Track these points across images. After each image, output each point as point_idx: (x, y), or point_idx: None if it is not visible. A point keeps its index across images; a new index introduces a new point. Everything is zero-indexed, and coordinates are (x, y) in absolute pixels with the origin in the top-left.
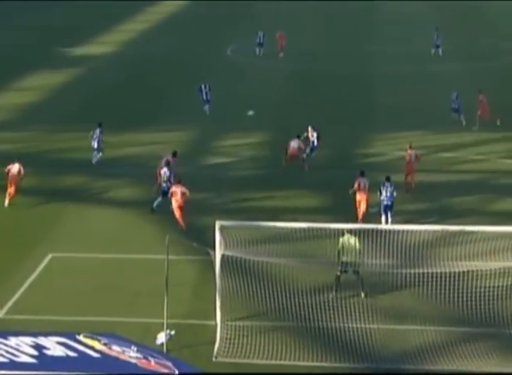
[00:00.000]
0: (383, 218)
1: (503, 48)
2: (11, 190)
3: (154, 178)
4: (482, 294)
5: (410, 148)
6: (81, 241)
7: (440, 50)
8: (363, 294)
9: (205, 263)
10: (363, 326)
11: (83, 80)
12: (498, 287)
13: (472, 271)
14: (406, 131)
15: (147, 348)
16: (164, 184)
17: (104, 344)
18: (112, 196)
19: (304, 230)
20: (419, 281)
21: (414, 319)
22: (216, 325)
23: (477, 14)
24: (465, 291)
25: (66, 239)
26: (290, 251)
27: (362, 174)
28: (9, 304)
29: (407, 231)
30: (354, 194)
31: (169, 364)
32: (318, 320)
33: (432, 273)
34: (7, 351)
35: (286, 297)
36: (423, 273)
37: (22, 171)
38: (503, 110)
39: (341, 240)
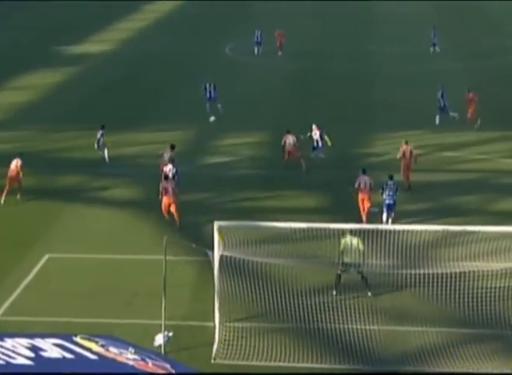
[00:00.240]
0: (384, 216)
1: (505, 46)
2: (8, 186)
3: (152, 177)
4: (484, 295)
5: (406, 143)
6: (78, 241)
7: (437, 48)
8: (369, 294)
9: (204, 264)
10: (363, 327)
11: (80, 78)
12: (500, 287)
13: (474, 272)
14: (406, 130)
15: (145, 349)
16: None
17: (102, 346)
18: (110, 196)
19: (303, 230)
20: (420, 282)
21: (415, 321)
22: (215, 326)
23: (477, 14)
24: (467, 291)
25: (63, 239)
26: (290, 251)
27: (364, 172)
28: (5, 305)
29: (408, 231)
30: (357, 193)
31: (167, 366)
32: (317, 321)
33: (433, 274)
34: (3, 353)
35: (285, 298)
36: (424, 274)
37: (19, 166)
38: (504, 109)
39: (343, 241)
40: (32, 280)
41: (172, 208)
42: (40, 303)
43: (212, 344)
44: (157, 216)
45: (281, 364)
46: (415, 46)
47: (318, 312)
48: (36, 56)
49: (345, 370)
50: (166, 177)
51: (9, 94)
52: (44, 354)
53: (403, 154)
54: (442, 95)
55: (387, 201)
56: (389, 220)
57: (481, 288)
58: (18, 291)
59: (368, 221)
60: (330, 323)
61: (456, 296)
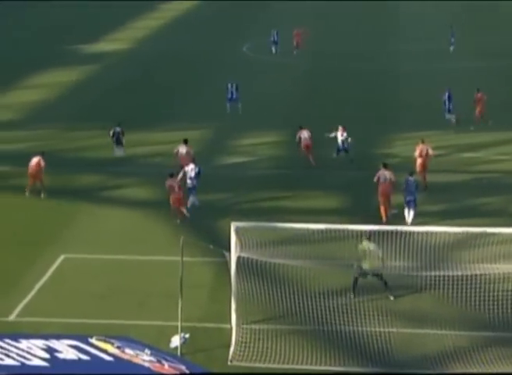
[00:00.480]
0: (406, 213)
1: None
2: (30, 182)
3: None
4: (505, 298)
5: (423, 142)
6: (94, 241)
7: (452, 47)
8: (392, 297)
9: (220, 265)
10: (381, 329)
11: (96, 77)
12: None
13: (494, 274)
14: (426, 130)
15: (161, 351)
16: (189, 181)
17: (118, 348)
18: (126, 196)
19: (321, 231)
20: (440, 284)
21: (434, 323)
22: (231, 328)
23: (496, 14)
24: (487, 294)
25: (79, 240)
26: (307, 252)
27: (385, 167)
28: (21, 306)
29: (428, 233)
30: (376, 187)
31: (183, 368)
32: (335, 324)
33: (453, 276)
34: (18, 354)
35: (302, 300)
36: (444, 276)
37: (41, 164)
38: None
39: (360, 247)
40: (47, 280)
41: (178, 206)
42: (55, 304)
43: (229, 346)
44: (171, 217)
45: (298, 366)
46: (433, 45)
47: (336, 314)
48: (51, 55)
49: (363, 373)
50: (172, 175)
51: (25, 94)
52: (59, 355)
53: (420, 153)
54: (448, 97)
55: (408, 198)
56: (411, 217)
57: (502, 291)
58: (33, 291)
59: (388, 222)
60: (348, 325)
61: (477, 299)
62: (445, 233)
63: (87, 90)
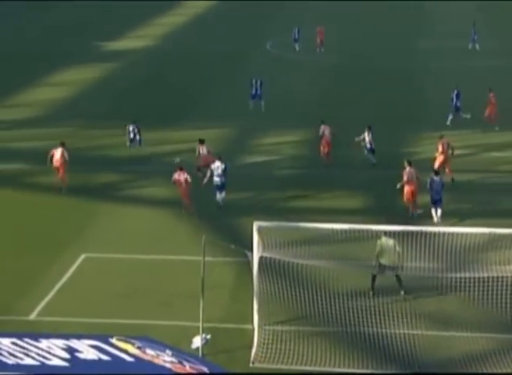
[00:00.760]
0: (433, 211)
1: None
2: (60, 174)
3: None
4: None
5: (442, 137)
6: (115, 241)
7: (477, 45)
8: (404, 295)
9: (242, 265)
10: (406, 331)
11: (118, 74)
12: None
13: None
14: (452, 130)
15: (182, 352)
16: (217, 179)
17: (138, 348)
18: (147, 195)
19: (345, 231)
20: (465, 286)
21: (460, 326)
22: (253, 329)
23: None
24: None
25: (100, 239)
26: (330, 253)
27: (410, 164)
28: (41, 305)
29: (454, 233)
30: (402, 187)
31: (205, 369)
32: (358, 325)
33: (479, 278)
34: (38, 354)
35: (325, 301)
36: (469, 278)
37: (65, 155)
38: None
39: (379, 242)
40: (68, 280)
41: (185, 201)
42: (76, 303)
43: (251, 348)
44: (193, 216)
45: (321, 369)
46: (458, 43)
47: (360, 315)
48: (73, 53)
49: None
50: (182, 168)
51: (46, 91)
52: (79, 355)
53: (442, 148)
54: (457, 95)
55: (435, 197)
56: (438, 215)
57: None
58: (53, 291)
59: (415, 222)
60: (372, 327)
61: (503, 301)
62: (471, 233)
63: (109, 87)
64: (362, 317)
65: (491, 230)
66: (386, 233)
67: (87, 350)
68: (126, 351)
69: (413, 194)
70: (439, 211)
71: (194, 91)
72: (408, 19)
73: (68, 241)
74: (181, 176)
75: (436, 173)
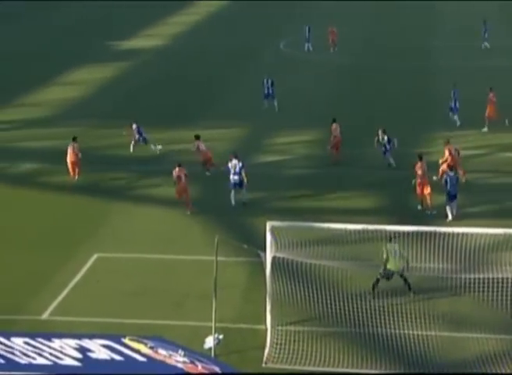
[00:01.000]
0: (448, 208)
1: None
2: (72, 170)
3: (202, 175)
4: None
5: (448, 142)
6: (127, 240)
7: (487, 44)
8: (412, 295)
9: (255, 265)
10: (419, 332)
11: (131, 73)
12: None
13: None
14: (465, 130)
15: (195, 352)
16: (236, 177)
17: (151, 348)
18: (159, 194)
19: (358, 231)
20: (479, 287)
21: (474, 327)
22: (266, 330)
23: None
24: None
25: (112, 239)
26: (344, 253)
27: (421, 159)
28: (53, 304)
29: (468, 234)
30: (418, 183)
31: (217, 369)
32: (372, 326)
33: (493, 279)
34: (51, 354)
35: (339, 301)
36: (484, 279)
37: (75, 148)
38: None
39: (385, 249)
40: (80, 279)
41: (185, 197)
42: (88, 303)
43: (263, 348)
44: (207, 216)
45: (334, 369)
46: (469, 42)
47: (373, 316)
48: (86, 52)
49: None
50: (180, 164)
51: (60, 90)
52: (92, 355)
53: (450, 152)
54: (454, 94)
55: (451, 193)
56: (454, 211)
57: None
58: (66, 290)
59: (428, 223)
60: (385, 327)
61: None
62: (485, 234)
63: (122, 86)
64: (375, 318)
65: (505, 230)
66: (390, 240)
67: (99, 350)
68: (138, 351)
69: (424, 187)
70: (455, 207)
71: (207, 91)
72: (420, 19)
73: (80, 240)
74: (180, 173)
75: (451, 168)
